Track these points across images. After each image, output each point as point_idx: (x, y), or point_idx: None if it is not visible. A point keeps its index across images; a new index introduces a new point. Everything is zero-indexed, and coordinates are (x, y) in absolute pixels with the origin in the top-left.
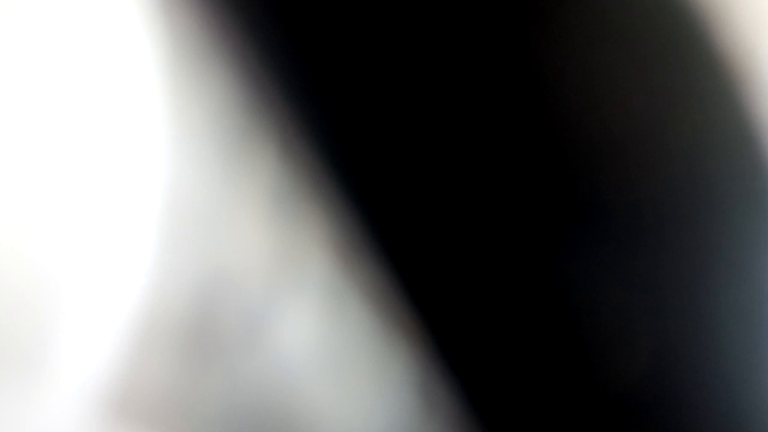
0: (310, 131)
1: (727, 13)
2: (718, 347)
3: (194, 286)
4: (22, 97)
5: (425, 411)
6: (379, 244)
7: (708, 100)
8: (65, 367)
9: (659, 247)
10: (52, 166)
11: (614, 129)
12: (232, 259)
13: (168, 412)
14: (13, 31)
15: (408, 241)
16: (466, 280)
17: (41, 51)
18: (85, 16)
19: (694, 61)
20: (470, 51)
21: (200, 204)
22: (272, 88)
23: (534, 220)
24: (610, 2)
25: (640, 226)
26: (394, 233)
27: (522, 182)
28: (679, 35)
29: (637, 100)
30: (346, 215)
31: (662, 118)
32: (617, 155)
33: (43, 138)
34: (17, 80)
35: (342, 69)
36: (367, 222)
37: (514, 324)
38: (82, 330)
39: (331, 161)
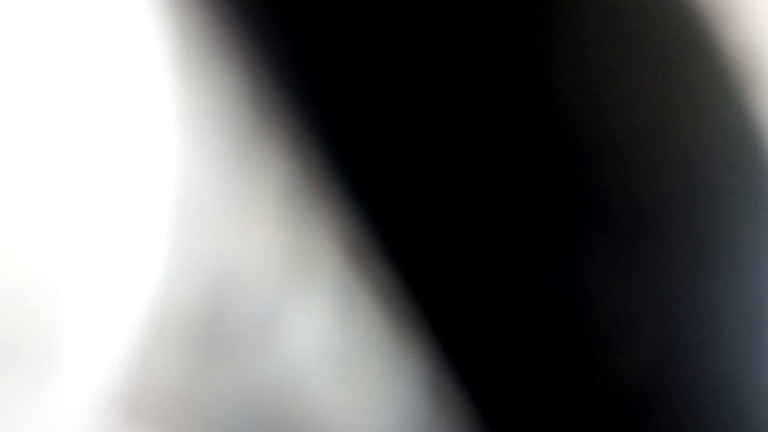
0: (320, 130)
1: (730, 13)
2: (719, 347)
3: (204, 285)
4: (33, 95)
5: (434, 409)
6: (387, 242)
7: (710, 100)
8: (76, 366)
9: (660, 248)
10: (62, 165)
11: (616, 129)
12: (243, 258)
13: (178, 411)
14: (23, 29)
15: (415, 240)
16: (468, 280)
17: (51, 50)
18: (96, 15)
19: (696, 61)
20: (473, 51)
21: (211, 203)
22: (283, 87)
23: (536, 221)
24: (612, 2)
25: (641, 226)
26: (401, 232)
27: (524, 182)
28: (682, 35)
29: (639, 99)
30: (355, 215)
31: (664, 118)
32: (619, 155)
33: (55, 137)
34: (27, 79)
35: (348, 68)
36: (375, 221)
37: (515, 324)
38: (92, 329)
39: (340, 161)
